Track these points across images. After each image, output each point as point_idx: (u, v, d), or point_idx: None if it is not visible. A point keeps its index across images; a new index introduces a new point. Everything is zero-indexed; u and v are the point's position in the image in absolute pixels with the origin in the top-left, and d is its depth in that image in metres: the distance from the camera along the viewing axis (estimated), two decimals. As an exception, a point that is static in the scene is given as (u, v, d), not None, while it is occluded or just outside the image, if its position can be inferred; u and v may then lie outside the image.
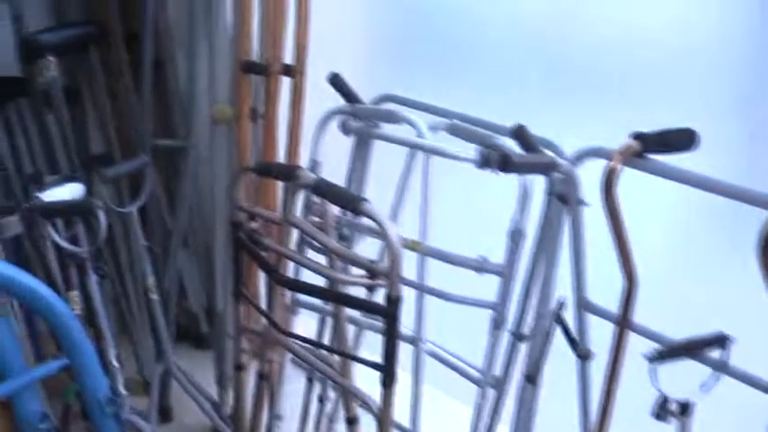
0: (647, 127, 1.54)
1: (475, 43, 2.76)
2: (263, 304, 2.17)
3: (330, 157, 2.06)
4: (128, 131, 2.47)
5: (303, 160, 2.17)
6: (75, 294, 1.91)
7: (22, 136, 2.37)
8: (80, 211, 1.81)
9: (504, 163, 1.50)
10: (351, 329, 2.08)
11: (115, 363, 1.96)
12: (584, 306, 1.72)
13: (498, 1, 2.81)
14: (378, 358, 1.61)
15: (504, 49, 2.75)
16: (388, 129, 1.97)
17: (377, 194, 2.04)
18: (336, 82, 1.98)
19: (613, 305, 1.61)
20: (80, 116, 2.46)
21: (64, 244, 1.84)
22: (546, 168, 1.60)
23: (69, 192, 1.90)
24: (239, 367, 2.15)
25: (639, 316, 1.60)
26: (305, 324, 2.20)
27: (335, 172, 2.05)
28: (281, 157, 2.30)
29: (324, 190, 1.82)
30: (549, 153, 1.73)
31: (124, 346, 2.60)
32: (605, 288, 1.71)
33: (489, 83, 2.77)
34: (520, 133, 1.69)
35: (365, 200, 1.73)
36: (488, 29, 2.74)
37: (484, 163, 1.72)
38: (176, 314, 2.60)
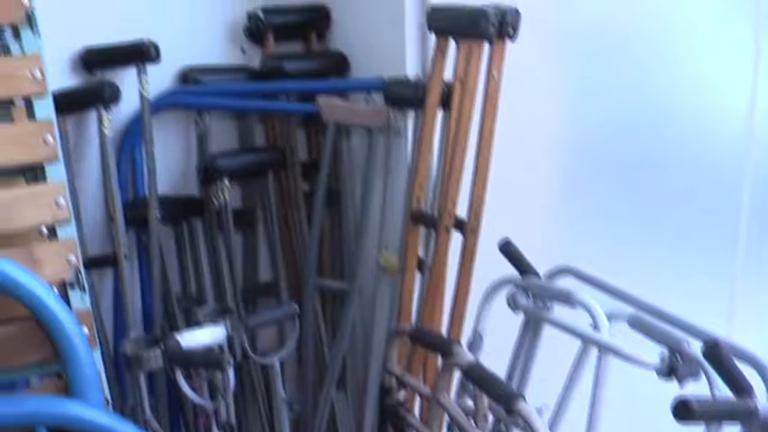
0: None
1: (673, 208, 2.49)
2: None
3: (497, 329, 1.87)
4: (296, 263, 2.41)
5: (467, 327, 1.99)
6: (202, 444, 1.82)
7: (191, 257, 2.35)
8: (209, 365, 1.71)
9: (681, 411, 1.22)
10: None
11: None
12: None
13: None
14: None
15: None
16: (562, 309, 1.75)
17: (543, 382, 1.82)
18: (508, 250, 1.83)
19: None
20: (251, 242, 2.42)
21: (189, 393, 1.75)
22: (738, 417, 1.30)
23: (210, 336, 1.83)
24: None
25: None
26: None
27: (501, 346, 1.88)
28: (444, 317, 2.12)
29: (477, 376, 1.65)
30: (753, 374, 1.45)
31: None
32: None
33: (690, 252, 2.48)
34: (714, 353, 1.40)
35: (521, 398, 1.53)
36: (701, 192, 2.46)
37: (666, 373, 1.49)
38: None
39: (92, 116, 2.18)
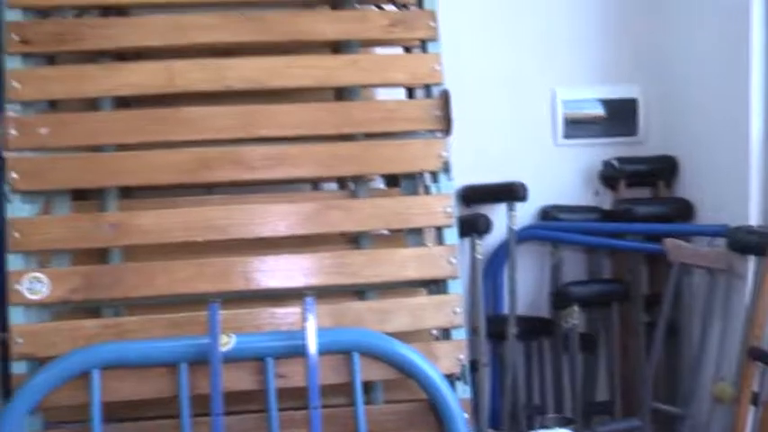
0: None
1: None
2: None
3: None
4: (632, 387, 2.72)
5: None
6: None
7: (537, 370, 2.78)
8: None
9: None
10: None
11: None
12: None
13: None
14: None
15: None
16: None
17: None
18: None
19: None
20: (591, 363, 2.79)
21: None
22: None
23: (557, 437, 2.22)
24: None
25: None
26: None
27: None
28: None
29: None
30: None
31: None
32: None
33: None
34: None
35: None
36: None
37: None
38: None
39: (465, 242, 2.67)
